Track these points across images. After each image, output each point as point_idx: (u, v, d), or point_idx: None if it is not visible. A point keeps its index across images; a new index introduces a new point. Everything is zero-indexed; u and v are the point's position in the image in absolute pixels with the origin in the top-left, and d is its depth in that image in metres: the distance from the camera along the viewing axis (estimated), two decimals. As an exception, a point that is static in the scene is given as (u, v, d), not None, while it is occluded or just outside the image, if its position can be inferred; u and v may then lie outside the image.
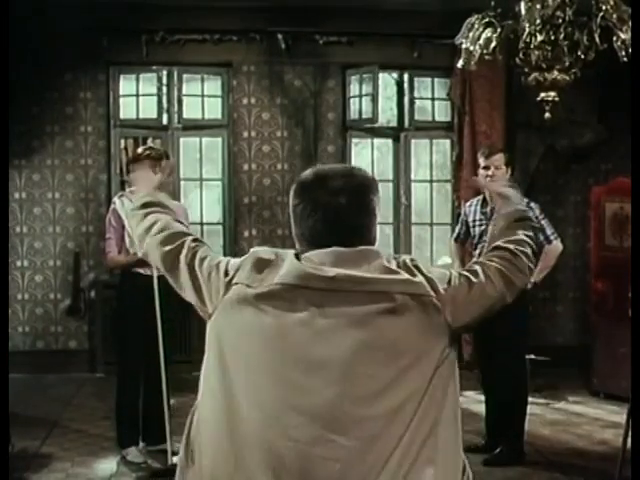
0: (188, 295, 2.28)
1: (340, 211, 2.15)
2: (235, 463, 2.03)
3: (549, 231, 5.63)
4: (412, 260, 2.15)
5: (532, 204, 5.63)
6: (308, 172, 2.25)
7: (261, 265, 2.11)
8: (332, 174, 2.23)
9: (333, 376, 2.00)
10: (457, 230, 6.05)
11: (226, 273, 2.16)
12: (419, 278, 2.09)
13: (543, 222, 5.63)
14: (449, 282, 2.15)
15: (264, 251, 2.15)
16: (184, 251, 2.29)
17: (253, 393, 2.04)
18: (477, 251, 5.76)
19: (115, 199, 5.61)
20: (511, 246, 2.32)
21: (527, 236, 2.39)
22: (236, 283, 2.11)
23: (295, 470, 1.99)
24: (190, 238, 2.33)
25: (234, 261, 2.19)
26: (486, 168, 5.67)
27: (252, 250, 2.20)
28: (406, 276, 2.08)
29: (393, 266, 2.11)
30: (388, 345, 2.04)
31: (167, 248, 2.32)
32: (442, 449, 2.17)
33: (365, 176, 2.29)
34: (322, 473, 1.99)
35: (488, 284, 2.21)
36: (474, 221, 5.82)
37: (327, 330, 2.03)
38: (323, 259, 2.09)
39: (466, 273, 2.21)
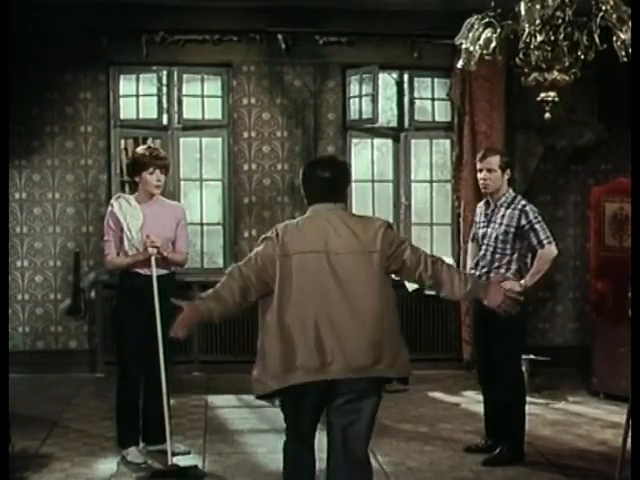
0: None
1: (326, 181, 3.93)
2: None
3: (542, 235, 5.54)
4: (379, 224, 3.90)
5: (527, 207, 5.58)
6: (309, 161, 4.56)
7: (289, 238, 3.81)
8: (321, 160, 4.57)
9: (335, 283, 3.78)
10: (472, 231, 6.06)
11: (272, 254, 3.80)
12: (375, 241, 3.82)
13: (537, 226, 5.54)
14: (390, 245, 3.85)
15: (289, 228, 3.87)
16: (252, 278, 3.85)
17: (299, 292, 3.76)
18: (481, 252, 5.75)
19: (112, 201, 5.60)
20: (436, 259, 3.99)
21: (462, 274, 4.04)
22: (280, 255, 3.78)
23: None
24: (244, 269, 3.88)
25: (268, 253, 3.83)
26: (480, 171, 5.68)
27: (281, 227, 3.88)
28: (365, 239, 3.82)
29: (362, 226, 3.87)
30: (360, 269, 3.81)
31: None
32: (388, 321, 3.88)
33: (341, 162, 4.29)
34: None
35: (411, 262, 3.91)
36: (478, 223, 5.84)
37: (330, 262, 3.77)
38: (320, 213, 3.89)
39: (410, 248, 3.91)
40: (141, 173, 5.52)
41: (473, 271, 5.75)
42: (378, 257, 3.80)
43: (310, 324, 3.71)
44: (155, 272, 5.39)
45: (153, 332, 5.37)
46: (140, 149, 5.73)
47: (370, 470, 3.95)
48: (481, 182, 5.70)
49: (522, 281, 5.53)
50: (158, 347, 5.38)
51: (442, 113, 8.59)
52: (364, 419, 3.84)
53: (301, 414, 3.90)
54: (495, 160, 5.65)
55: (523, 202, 5.63)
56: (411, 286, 8.18)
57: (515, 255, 5.58)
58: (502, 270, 5.58)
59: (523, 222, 5.54)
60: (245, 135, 8.26)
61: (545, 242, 5.54)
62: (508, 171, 5.67)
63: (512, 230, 5.55)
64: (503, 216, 5.59)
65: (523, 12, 4.91)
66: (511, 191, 5.70)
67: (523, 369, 7.43)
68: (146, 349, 5.43)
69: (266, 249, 3.83)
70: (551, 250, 5.57)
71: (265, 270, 3.80)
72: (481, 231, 5.75)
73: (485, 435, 5.81)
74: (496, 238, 5.61)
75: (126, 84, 8.28)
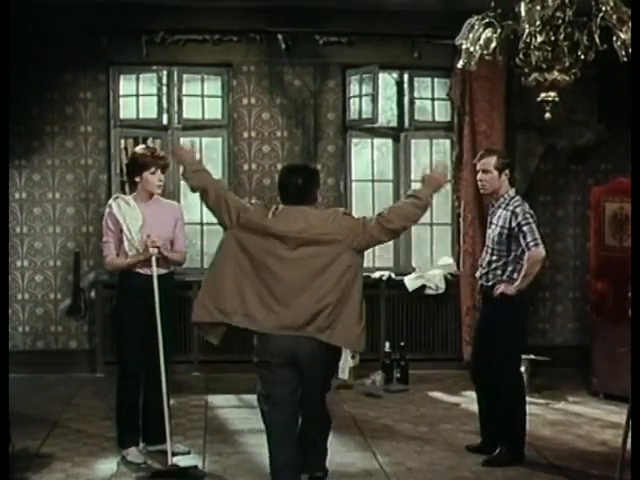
0: (222, 216, 4.72)
1: (295, 185, 4.63)
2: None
3: (529, 237, 5.45)
4: (336, 212, 4.69)
5: (518, 209, 5.51)
6: (284, 166, 5.23)
7: (258, 213, 4.63)
8: (294, 167, 5.13)
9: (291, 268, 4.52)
10: None
11: (238, 216, 4.62)
12: (337, 230, 4.51)
13: (525, 228, 5.46)
14: (350, 228, 4.53)
15: (261, 205, 4.74)
16: (229, 201, 4.75)
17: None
18: (483, 254, 5.76)
19: (111, 202, 5.57)
20: (387, 210, 4.70)
21: (408, 201, 4.84)
22: (243, 219, 4.60)
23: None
24: (229, 195, 4.88)
25: (244, 207, 4.72)
26: (478, 172, 5.69)
27: (255, 203, 4.89)
28: (329, 229, 4.52)
29: (325, 218, 4.59)
30: (320, 255, 4.50)
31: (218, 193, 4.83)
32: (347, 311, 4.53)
33: (311, 168, 5.01)
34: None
35: (375, 229, 4.59)
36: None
37: (286, 249, 4.51)
38: (287, 212, 4.59)
39: (367, 222, 4.58)
40: (142, 173, 5.51)
41: (478, 273, 5.76)
42: (340, 244, 4.51)
43: (260, 285, 4.50)
44: (156, 272, 5.39)
45: (153, 331, 5.38)
46: (139, 149, 5.73)
47: (321, 425, 4.88)
48: (478, 183, 5.72)
49: (515, 284, 5.49)
50: (158, 346, 5.39)
51: (442, 113, 8.59)
52: (315, 380, 4.66)
53: (267, 358, 4.61)
54: (491, 161, 5.62)
55: (516, 203, 5.56)
56: (411, 286, 8.20)
57: (511, 257, 5.53)
58: (498, 272, 5.57)
59: (513, 224, 5.49)
60: (245, 135, 8.26)
61: (531, 244, 5.45)
62: (506, 172, 5.61)
63: (505, 232, 5.52)
64: (499, 217, 5.58)
65: (523, 12, 4.92)
66: (511, 192, 5.64)
67: (522, 369, 7.47)
68: (146, 349, 5.44)
69: (249, 209, 4.68)
70: (537, 252, 5.46)
71: (230, 209, 4.66)
72: (486, 232, 5.77)
73: (481, 434, 5.81)
74: (493, 240, 5.60)
75: (126, 84, 8.27)
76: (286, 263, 4.50)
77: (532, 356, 7.48)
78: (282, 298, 4.49)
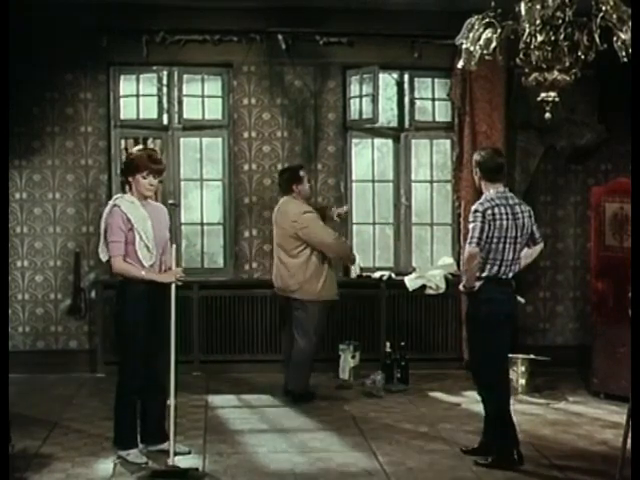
0: None
1: (282, 181, 7.25)
2: None
3: (469, 235, 5.46)
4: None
5: (473, 207, 5.50)
6: (281, 170, 7.61)
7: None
8: (286, 169, 7.52)
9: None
10: None
11: None
12: (302, 217, 7.03)
13: (470, 226, 5.47)
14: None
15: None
16: None
17: None
18: None
19: (117, 202, 5.49)
20: None
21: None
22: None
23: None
24: None
25: None
26: None
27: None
28: (296, 217, 7.02)
29: (300, 209, 7.09)
30: (289, 235, 7.07)
31: None
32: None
33: (289, 168, 7.45)
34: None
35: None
36: None
37: (278, 232, 7.20)
38: (282, 201, 7.24)
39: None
40: (135, 175, 5.50)
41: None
42: (298, 228, 6.91)
43: (274, 265, 7.19)
44: (174, 296, 5.41)
45: (157, 333, 5.40)
46: (137, 150, 5.72)
47: (301, 348, 6.98)
48: None
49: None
50: (159, 347, 5.41)
51: (442, 113, 8.59)
52: (302, 319, 6.99)
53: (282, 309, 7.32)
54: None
55: (478, 202, 5.53)
56: (411, 286, 8.20)
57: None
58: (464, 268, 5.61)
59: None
60: (245, 135, 8.26)
61: (467, 242, 5.48)
62: (476, 170, 5.61)
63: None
64: None
65: (523, 12, 4.92)
66: (492, 192, 5.53)
67: (523, 369, 7.46)
68: (150, 350, 5.44)
69: None
70: (468, 250, 5.45)
71: None
72: None
73: (482, 434, 5.80)
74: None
75: (126, 84, 8.27)
76: (277, 242, 7.22)
77: (532, 356, 7.48)
78: (279, 268, 7.21)
